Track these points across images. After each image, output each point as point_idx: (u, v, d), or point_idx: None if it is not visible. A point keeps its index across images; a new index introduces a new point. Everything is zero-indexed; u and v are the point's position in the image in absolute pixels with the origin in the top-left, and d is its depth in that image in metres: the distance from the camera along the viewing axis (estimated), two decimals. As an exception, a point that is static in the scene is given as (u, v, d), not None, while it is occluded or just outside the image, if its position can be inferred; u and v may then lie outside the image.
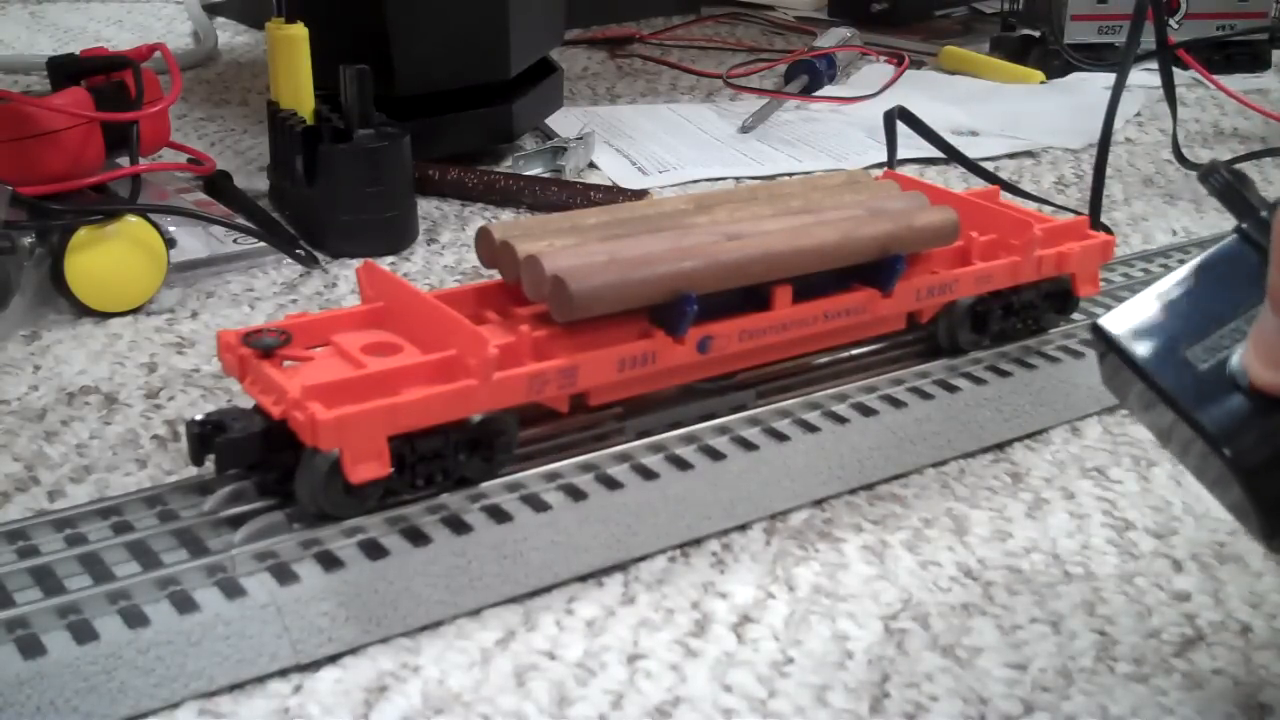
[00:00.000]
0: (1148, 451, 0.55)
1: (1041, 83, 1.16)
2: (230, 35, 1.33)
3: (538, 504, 0.46)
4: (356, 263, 0.59)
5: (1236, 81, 1.08)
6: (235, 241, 0.73)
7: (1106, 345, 0.37)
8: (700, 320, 0.48)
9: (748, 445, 0.51)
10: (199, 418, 0.45)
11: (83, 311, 0.66)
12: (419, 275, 0.73)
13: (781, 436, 0.51)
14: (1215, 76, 1.01)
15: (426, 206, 0.83)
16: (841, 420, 0.53)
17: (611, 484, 0.48)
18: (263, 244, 0.73)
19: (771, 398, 0.53)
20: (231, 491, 0.45)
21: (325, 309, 0.67)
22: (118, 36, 1.32)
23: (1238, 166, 0.38)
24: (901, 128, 0.70)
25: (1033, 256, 0.56)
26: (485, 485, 0.46)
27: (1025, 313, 0.58)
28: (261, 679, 0.40)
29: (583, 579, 0.46)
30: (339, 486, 0.42)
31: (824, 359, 0.56)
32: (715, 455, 0.50)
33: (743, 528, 0.49)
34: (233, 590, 0.41)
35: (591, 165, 0.93)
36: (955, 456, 0.54)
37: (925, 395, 0.55)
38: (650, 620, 0.44)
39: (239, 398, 0.56)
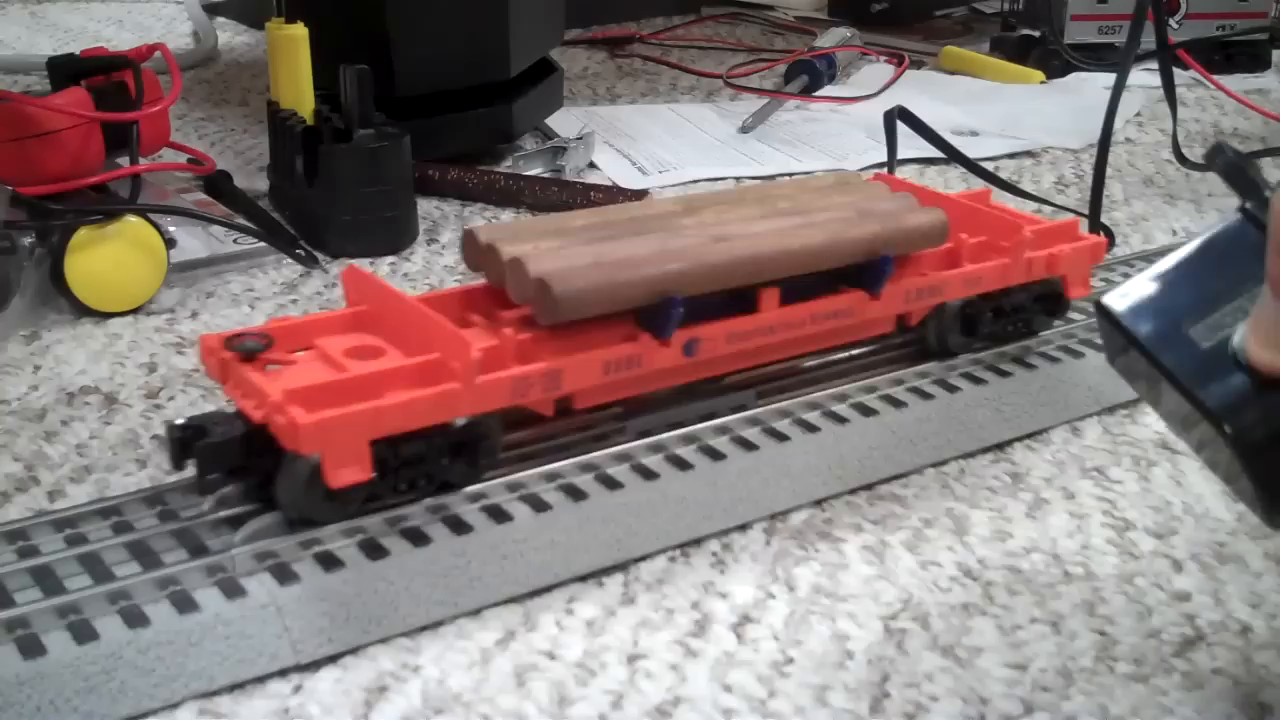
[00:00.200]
0: (1148, 451, 0.55)
1: (1041, 83, 1.16)
2: (230, 35, 1.33)
3: (537, 504, 0.46)
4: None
5: (1236, 81, 1.09)
6: (235, 241, 0.73)
7: (1110, 323, 0.37)
8: (686, 323, 0.48)
9: (748, 445, 0.51)
10: (180, 421, 0.44)
11: (83, 311, 0.66)
12: (419, 275, 0.73)
13: (781, 436, 0.51)
14: (1215, 76, 1.01)
15: (426, 206, 0.83)
16: (841, 420, 0.53)
17: (611, 484, 0.48)
18: (263, 244, 0.73)
19: (771, 398, 0.53)
20: (231, 492, 0.45)
21: (325, 309, 0.67)
22: (118, 36, 1.32)
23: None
24: (902, 128, 0.70)
25: (1023, 258, 0.56)
26: (485, 485, 0.46)
27: (1016, 315, 0.58)
28: (261, 679, 0.40)
29: (583, 579, 0.46)
30: (320, 491, 0.42)
31: (814, 362, 0.56)
32: (715, 455, 0.50)
33: (743, 528, 0.49)
34: (233, 590, 0.41)
35: (591, 165, 0.93)
36: (955, 456, 0.54)
37: (925, 395, 0.55)
38: (650, 620, 0.44)
39: (239, 398, 0.56)
